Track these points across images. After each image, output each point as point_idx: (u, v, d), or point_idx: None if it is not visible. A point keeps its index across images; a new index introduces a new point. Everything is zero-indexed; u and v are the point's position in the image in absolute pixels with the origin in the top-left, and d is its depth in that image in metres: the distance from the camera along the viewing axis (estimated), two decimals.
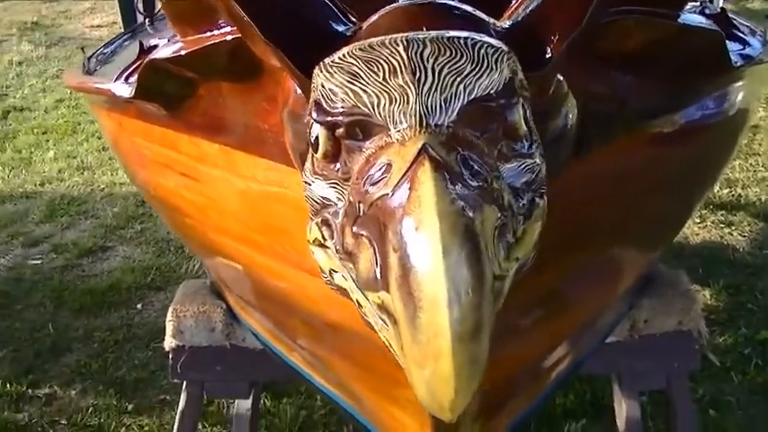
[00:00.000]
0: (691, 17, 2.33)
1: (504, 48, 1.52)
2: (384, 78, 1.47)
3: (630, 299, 3.08)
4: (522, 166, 1.57)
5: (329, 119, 1.53)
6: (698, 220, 5.89)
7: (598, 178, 2.04)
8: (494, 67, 1.50)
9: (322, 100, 1.53)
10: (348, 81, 1.50)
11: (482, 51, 1.49)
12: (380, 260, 1.44)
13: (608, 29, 1.76)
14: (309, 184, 1.64)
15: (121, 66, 2.71)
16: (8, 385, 4.57)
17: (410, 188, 1.40)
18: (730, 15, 2.97)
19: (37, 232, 6.48)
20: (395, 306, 1.42)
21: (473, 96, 1.48)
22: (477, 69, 1.49)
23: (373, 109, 1.48)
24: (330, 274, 1.67)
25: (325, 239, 1.63)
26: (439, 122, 1.46)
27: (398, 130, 1.47)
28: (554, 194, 1.65)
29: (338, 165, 1.57)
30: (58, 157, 7.90)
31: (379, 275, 1.44)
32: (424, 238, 1.38)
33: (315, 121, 1.55)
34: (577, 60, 1.68)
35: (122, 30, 5.51)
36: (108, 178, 7.29)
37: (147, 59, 2.08)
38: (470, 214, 1.40)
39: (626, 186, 2.18)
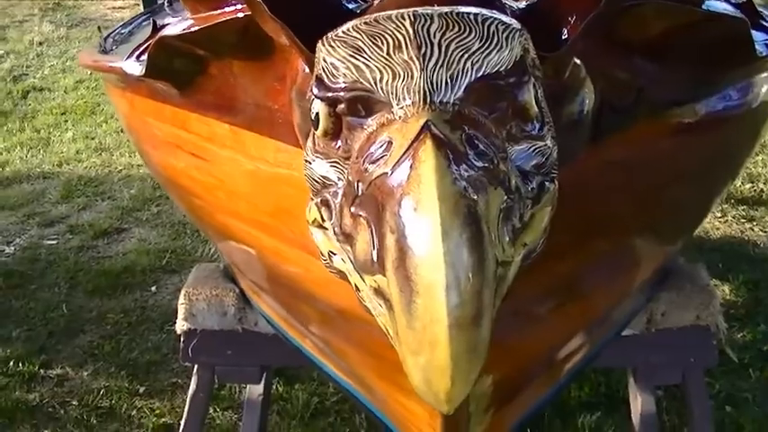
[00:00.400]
0: (715, 4, 2.28)
1: (516, 25, 1.47)
2: (388, 53, 1.43)
3: (648, 292, 3.04)
4: (533, 149, 1.52)
5: (330, 94, 1.49)
6: (719, 215, 5.83)
7: (615, 166, 1.99)
8: (504, 44, 1.45)
9: (323, 75, 1.49)
10: (351, 55, 1.46)
11: (492, 28, 1.45)
12: (377, 242, 1.39)
13: (628, 14, 1.71)
14: (310, 163, 1.60)
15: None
16: (20, 365, 4.56)
17: (410, 167, 1.36)
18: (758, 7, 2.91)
19: (53, 212, 6.48)
20: (390, 290, 1.38)
21: (481, 73, 1.44)
22: (486, 46, 1.44)
23: (375, 84, 1.44)
24: (329, 256, 1.63)
25: (324, 220, 1.59)
26: (444, 100, 1.41)
27: (401, 107, 1.42)
28: (570, 181, 1.61)
29: (339, 143, 1.54)
30: (77, 138, 7.90)
31: (375, 258, 1.40)
32: (422, 220, 1.33)
33: (315, 96, 1.52)
34: (597, 45, 1.63)
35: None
36: (126, 160, 7.28)
37: (157, 37, 2.05)
38: (473, 196, 1.35)
39: (643, 175, 2.13)
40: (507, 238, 1.43)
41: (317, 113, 1.53)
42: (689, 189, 2.43)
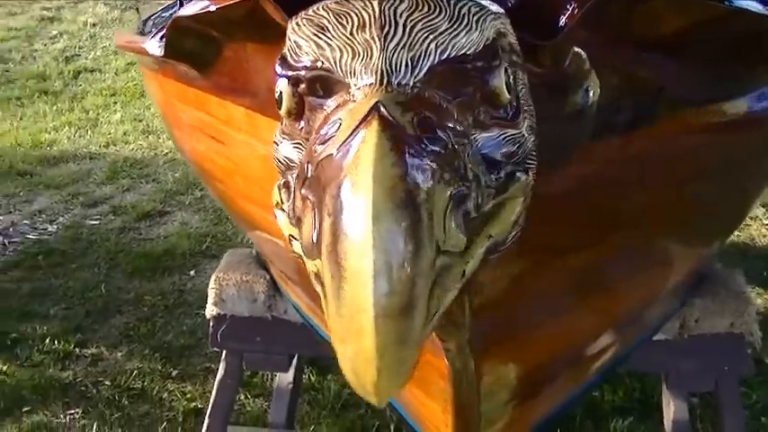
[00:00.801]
0: (740, 1, 2.21)
1: (492, 8, 1.43)
2: (351, 32, 1.39)
3: (682, 296, 2.99)
4: (503, 137, 1.46)
5: (291, 73, 1.46)
6: (766, 222, 5.71)
7: (637, 161, 1.94)
8: (473, 26, 1.40)
9: (288, 53, 1.46)
10: (314, 34, 1.42)
11: (464, 9, 1.40)
12: (317, 225, 1.34)
13: (639, 8, 1.66)
14: (277, 145, 1.57)
15: None
16: (56, 342, 4.59)
17: (356, 148, 1.30)
18: None
19: (98, 193, 6.53)
20: (323, 275, 1.33)
21: (446, 56, 1.39)
22: (453, 27, 1.39)
23: (335, 64, 1.40)
24: (290, 240, 1.58)
25: (283, 203, 1.55)
26: (403, 81, 1.37)
27: (358, 87, 1.38)
28: (591, 174, 1.56)
29: (302, 124, 1.50)
30: (125, 120, 7.98)
31: (315, 241, 1.35)
32: (356, 203, 1.28)
33: (278, 75, 1.48)
34: (607, 39, 1.58)
35: None
36: (172, 143, 7.26)
37: (173, 17, 2.04)
38: (416, 180, 1.29)
39: (667, 172, 2.07)
40: (455, 226, 1.35)
41: (281, 92, 1.49)
42: (719, 190, 2.37)
